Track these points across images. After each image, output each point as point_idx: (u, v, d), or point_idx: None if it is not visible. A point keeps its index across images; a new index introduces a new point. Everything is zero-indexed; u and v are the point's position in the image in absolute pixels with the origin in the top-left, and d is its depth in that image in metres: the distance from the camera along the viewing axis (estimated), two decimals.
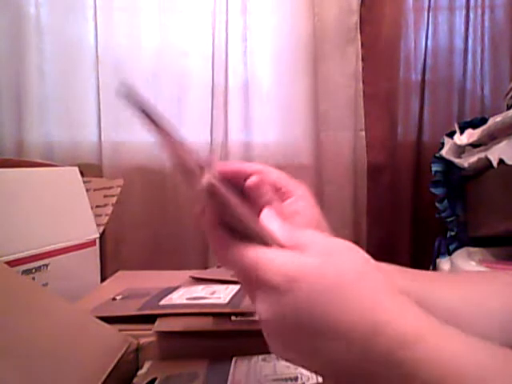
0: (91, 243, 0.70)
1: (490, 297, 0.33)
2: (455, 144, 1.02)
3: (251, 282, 0.24)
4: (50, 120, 1.22)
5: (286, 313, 0.23)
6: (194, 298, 0.46)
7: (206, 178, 0.23)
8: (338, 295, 0.22)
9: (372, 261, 0.25)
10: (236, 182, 0.31)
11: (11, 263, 0.53)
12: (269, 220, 0.26)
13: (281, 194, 0.33)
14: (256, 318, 0.42)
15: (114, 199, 0.80)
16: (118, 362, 0.34)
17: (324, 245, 0.25)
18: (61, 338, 0.33)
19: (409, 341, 0.21)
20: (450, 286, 0.34)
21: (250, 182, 0.30)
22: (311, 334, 0.23)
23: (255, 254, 0.24)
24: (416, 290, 0.30)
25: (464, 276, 0.41)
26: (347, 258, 0.24)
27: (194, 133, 1.25)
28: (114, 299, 0.50)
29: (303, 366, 0.25)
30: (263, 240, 0.24)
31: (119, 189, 0.81)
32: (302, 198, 0.33)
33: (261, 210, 0.28)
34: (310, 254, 0.24)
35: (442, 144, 1.07)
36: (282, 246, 0.25)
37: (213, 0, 1.22)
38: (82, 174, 0.75)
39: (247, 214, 0.25)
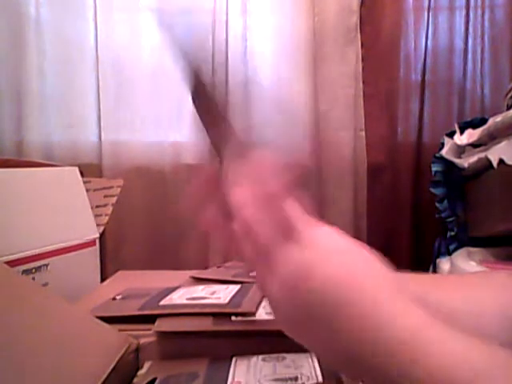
0: (91, 243, 0.70)
1: (489, 297, 0.34)
2: (455, 144, 1.02)
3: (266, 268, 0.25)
4: (50, 120, 1.22)
5: (298, 303, 0.24)
6: (194, 298, 0.46)
7: None
8: (347, 290, 0.24)
9: (381, 263, 0.26)
10: None
11: (11, 263, 0.53)
12: (293, 208, 0.27)
13: None
14: (256, 318, 0.42)
15: (114, 199, 0.80)
16: (118, 361, 0.34)
17: (337, 243, 0.26)
18: (61, 338, 0.33)
19: (408, 342, 0.22)
20: (449, 287, 0.35)
21: None
22: (319, 325, 0.24)
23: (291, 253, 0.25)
24: (416, 293, 0.31)
25: (463, 277, 0.43)
26: (358, 257, 0.26)
27: (194, 133, 1.25)
28: (114, 299, 0.50)
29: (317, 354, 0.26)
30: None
31: (119, 189, 0.81)
32: None
33: None
34: (323, 249, 0.25)
35: (442, 144, 1.07)
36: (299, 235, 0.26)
37: (213, 0, 1.22)
38: (81, 173, 0.75)
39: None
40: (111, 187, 0.81)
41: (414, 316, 0.24)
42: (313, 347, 0.26)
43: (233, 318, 0.41)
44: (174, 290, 0.51)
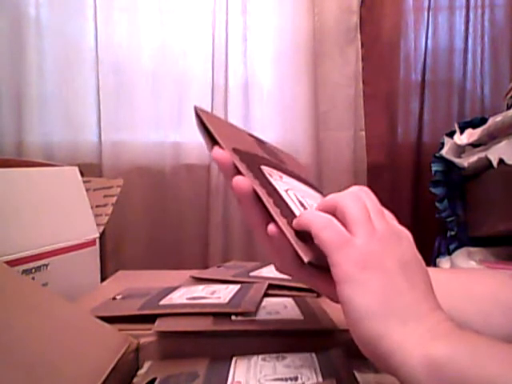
0: (91, 243, 0.70)
1: (487, 288, 0.37)
2: (455, 144, 1.02)
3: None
4: (50, 120, 1.22)
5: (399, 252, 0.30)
6: (194, 298, 0.46)
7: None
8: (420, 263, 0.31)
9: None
10: None
11: (11, 263, 0.53)
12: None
13: None
14: (256, 317, 0.42)
15: (114, 199, 0.80)
16: (118, 361, 0.34)
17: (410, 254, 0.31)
18: (61, 338, 0.33)
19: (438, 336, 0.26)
20: (451, 279, 0.38)
21: None
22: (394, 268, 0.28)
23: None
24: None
25: (464, 271, 0.45)
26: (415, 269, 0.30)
27: (194, 133, 1.25)
28: (114, 299, 0.50)
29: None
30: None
31: (119, 189, 0.81)
32: None
33: None
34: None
35: (442, 144, 1.07)
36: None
37: (213, 0, 1.22)
38: (81, 173, 0.74)
39: None
40: (111, 187, 0.81)
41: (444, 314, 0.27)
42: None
43: (233, 317, 0.41)
44: (174, 289, 0.51)
